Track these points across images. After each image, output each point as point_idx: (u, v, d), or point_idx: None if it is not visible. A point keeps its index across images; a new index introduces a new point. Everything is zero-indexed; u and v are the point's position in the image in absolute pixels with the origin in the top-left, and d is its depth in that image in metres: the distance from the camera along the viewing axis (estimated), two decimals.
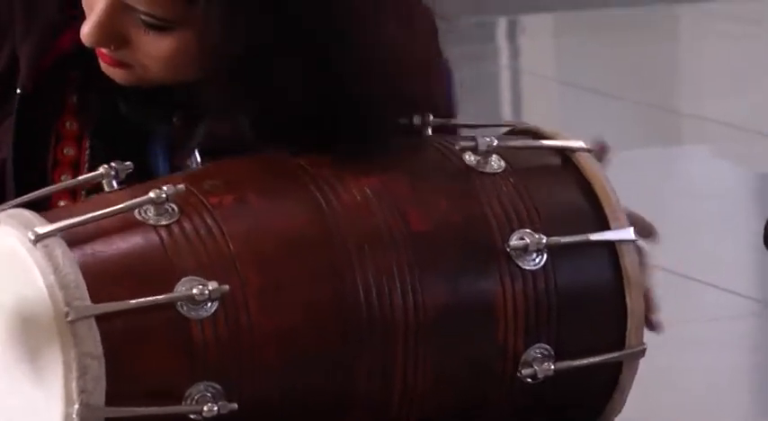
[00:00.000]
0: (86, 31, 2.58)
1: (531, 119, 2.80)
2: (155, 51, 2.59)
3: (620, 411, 2.64)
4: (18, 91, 2.66)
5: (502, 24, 8.18)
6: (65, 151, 2.67)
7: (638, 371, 2.64)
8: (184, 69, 2.59)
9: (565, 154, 2.65)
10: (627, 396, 2.64)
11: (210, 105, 2.60)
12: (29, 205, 2.51)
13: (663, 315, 2.70)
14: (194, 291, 2.42)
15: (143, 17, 2.56)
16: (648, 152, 6.21)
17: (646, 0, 8.06)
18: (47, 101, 2.68)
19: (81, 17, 2.62)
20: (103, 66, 2.63)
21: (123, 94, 2.67)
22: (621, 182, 2.66)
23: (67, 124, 2.69)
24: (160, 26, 2.56)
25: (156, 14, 2.55)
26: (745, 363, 4.55)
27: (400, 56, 2.61)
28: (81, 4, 2.62)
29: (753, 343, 4.61)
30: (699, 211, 5.34)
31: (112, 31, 2.58)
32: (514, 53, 8.08)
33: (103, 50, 2.61)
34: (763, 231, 2.86)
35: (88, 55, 2.65)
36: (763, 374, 4.51)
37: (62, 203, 2.64)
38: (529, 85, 7.43)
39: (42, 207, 2.53)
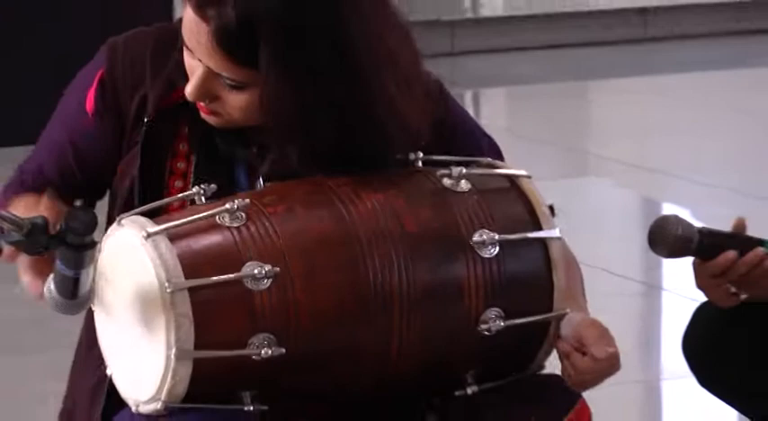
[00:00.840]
0: (188, 90, 2.57)
1: None
2: (235, 104, 2.58)
3: (548, 357, 2.63)
4: (145, 120, 2.63)
5: (469, 95, 8.15)
6: (178, 165, 2.64)
7: None
8: (255, 116, 2.57)
9: (511, 179, 2.65)
10: (553, 347, 2.63)
11: (271, 142, 2.59)
12: (149, 212, 2.52)
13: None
14: (255, 271, 2.44)
15: (226, 81, 2.54)
16: (568, 181, 6.23)
17: (567, 78, 8.08)
18: (165, 129, 2.65)
19: (187, 78, 2.61)
20: (201, 113, 2.61)
21: (218, 133, 2.65)
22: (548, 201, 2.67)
23: (180, 146, 2.66)
24: (238, 86, 2.55)
25: (235, 78, 2.54)
26: (634, 327, 4.55)
27: (401, 117, 2.59)
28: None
29: (640, 312, 4.63)
30: (602, 222, 5.34)
31: (206, 90, 2.57)
32: (477, 115, 8.06)
33: (201, 104, 2.59)
34: (647, 235, 2.85)
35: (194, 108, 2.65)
36: (647, 334, 4.52)
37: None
38: None
39: (160, 212, 2.55)
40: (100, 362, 2.60)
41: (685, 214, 5.54)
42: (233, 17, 2.50)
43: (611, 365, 2.60)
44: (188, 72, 2.61)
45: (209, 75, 2.57)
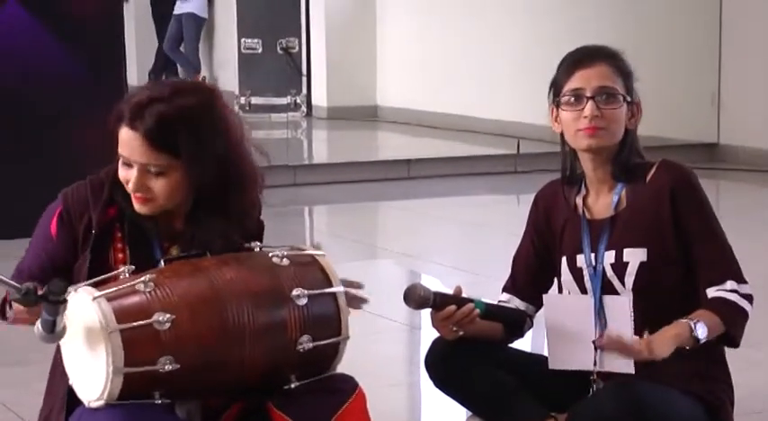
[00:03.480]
0: (131, 187, 2.55)
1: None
2: (160, 188, 2.55)
3: (339, 364, 2.61)
4: (93, 232, 2.59)
5: (306, 210, 8.10)
6: (118, 256, 2.59)
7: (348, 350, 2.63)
8: (174, 198, 2.56)
9: (313, 257, 2.61)
10: (341, 357, 2.61)
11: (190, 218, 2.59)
12: (97, 283, 2.49)
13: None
14: (160, 318, 2.41)
15: (153, 168, 2.53)
16: (364, 262, 6.22)
17: (364, 200, 8.09)
18: (106, 238, 2.61)
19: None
20: (137, 205, 2.57)
21: (143, 227, 2.61)
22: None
23: (119, 245, 2.61)
24: (161, 172, 2.54)
25: (159, 164, 2.52)
26: (402, 350, 4.53)
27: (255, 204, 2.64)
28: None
29: (406, 341, 4.61)
30: (383, 286, 5.32)
31: (142, 183, 2.54)
32: (311, 222, 8.02)
33: (138, 194, 2.55)
34: (402, 295, 2.84)
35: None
36: (410, 354, 4.50)
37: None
38: (318, 238, 7.40)
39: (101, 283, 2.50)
40: (67, 381, 2.54)
41: (430, 282, 5.64)
42: (151, 122, 2.50)
43: None
44: (123, 180, 2.57)
45: (142, 171, 2.54)
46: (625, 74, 2.88)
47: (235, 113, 2.61)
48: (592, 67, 2.85)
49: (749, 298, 2.82)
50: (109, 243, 2.61)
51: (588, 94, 2.83)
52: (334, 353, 2.59)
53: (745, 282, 2.83)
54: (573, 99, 2.85)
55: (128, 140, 2.54)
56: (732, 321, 2.80)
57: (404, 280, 5.78)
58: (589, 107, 2.83)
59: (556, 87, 2.90)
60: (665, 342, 2.69)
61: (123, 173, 2.58)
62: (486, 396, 2.93)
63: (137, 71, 14.02)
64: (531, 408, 2.90)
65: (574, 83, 2.85)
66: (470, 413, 3.03)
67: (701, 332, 2.72)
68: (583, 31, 8.87)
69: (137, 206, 2.58)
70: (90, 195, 2.63)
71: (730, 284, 2.80)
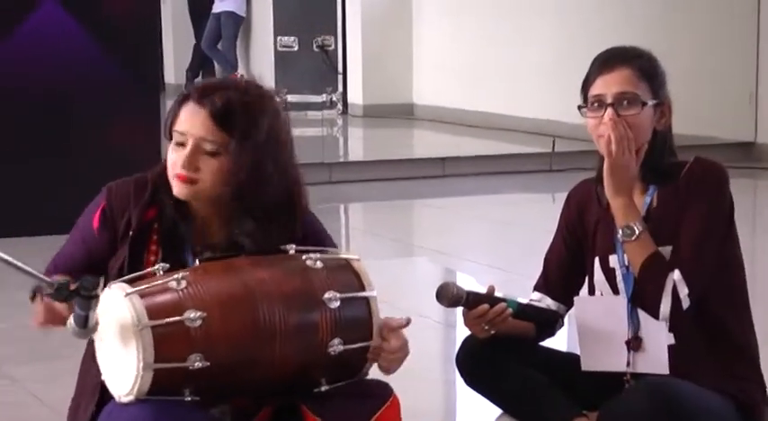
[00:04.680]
0: (180, 163, 2.56)
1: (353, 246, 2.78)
2: (208, 169, 2.55)
3: (371, 368, 2.60)
4: (131, 233, 2.61)
5: (341, 208, 8.11)
6: (151, 258, 2.60)
7: None
8: (216, 187, 2.56)
9: (347, 260, 2.61)
10: (373, 362, 2.60)
11: (229, 210, 2.59)
12: (131, 280, 2.50)
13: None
14: (192, 315, 2.41)
15: (208, 146, 2.55)
16: (401, 259, 6.19)
17: (400, 198, 8.08)
18: (143, 239, 2.62)
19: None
20: (179, 187, 2.57)
21: (178, 231, 2.62)
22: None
23: (153, 247, 2.62)
24: (214, 152, 2.55)
25: (215, 141, 2.54)
26: (437, 346, 4.53)
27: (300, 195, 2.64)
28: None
29: (441, 338, 4.61)
30: (419, 283, 5.32)
31: (191, 161, 2.54)
32: (347, 220, 8.03)
33: (183, 172, 2.55)
34: (435, 292, 2.84)
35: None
36: (445, 349, 4.49)
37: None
38: (354, 235, 7.39)
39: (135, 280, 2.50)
40: (96, 376, 2.56)
41: (464, 280, 5.63)
42: (219, 102, 2.53)
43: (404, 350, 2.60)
44: (171, 165, 2.58)
45: (195, 148, 2.55)
46: (650, 76, 2.85)
47: (290, 125, 2.64)
48: (613, 71, 2.83)
49: (676, 299, 2.74)
50: (144, 244, 2.63)
51: (608, 101, 2.83)
52: (364, 356, 2.57)
53: (691, 294, 2.75)
54: (595, 105, 2.84)
55: (191, 115, 2.55)
56: (650, 276, 2.76)
57: (438, 277, 5.75)
58: (608, 114, 2.81)
59: (584, 93, 2.89)
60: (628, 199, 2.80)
61: (173, 155, 2.58)
62: (517, 394, 2.94)
63: (174, 69, 14.09)
64: (562, 406, 2.91)
65: (596, 89, 2.85)
66: (502, 411, 3.03)
67: (635, 230, 2.77)
68: (616, 29, 8.85)
69: (177, 189, 2.57)
70: (133, 193, 2.64)
71: (677, 274, 2.75)
